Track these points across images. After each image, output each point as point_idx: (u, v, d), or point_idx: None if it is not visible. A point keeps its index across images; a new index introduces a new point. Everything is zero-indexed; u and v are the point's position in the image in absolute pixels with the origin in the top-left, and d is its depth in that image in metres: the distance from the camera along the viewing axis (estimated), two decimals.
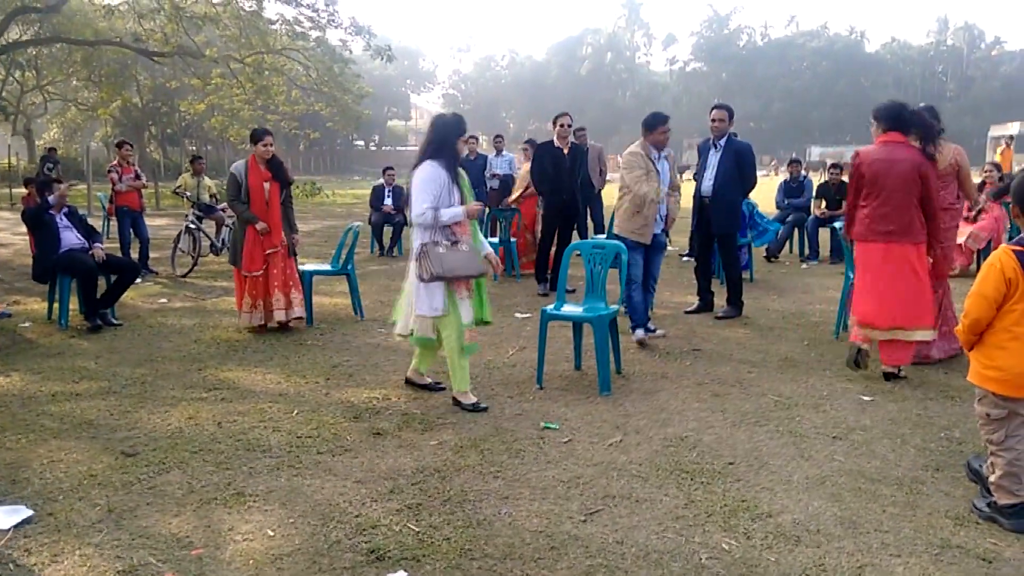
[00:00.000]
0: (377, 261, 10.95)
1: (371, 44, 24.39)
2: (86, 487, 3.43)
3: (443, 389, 4.76)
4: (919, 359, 5.18)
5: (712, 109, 6.94)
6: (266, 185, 6.27)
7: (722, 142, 6.78)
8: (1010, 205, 3.05)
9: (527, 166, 9.70)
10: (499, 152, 12.77)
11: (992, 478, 3.01)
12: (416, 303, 4.48)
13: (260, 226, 6.20)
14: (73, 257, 6.50)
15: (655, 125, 6.05)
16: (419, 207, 4.33)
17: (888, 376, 4.97)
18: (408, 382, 4.90)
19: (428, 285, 4.36)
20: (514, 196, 9.60)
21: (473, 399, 4.51)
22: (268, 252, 6.28)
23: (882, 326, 4.83)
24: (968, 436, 3.92)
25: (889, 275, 4.80)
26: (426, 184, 4.34)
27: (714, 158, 6.78)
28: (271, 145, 6.37)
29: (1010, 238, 3.42)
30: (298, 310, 6.43)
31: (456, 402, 4.52)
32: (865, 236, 4.91)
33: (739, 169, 6.69)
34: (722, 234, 6.86)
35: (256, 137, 6.41)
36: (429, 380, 4.86)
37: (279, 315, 6.33)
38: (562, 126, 7.88)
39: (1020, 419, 2.96)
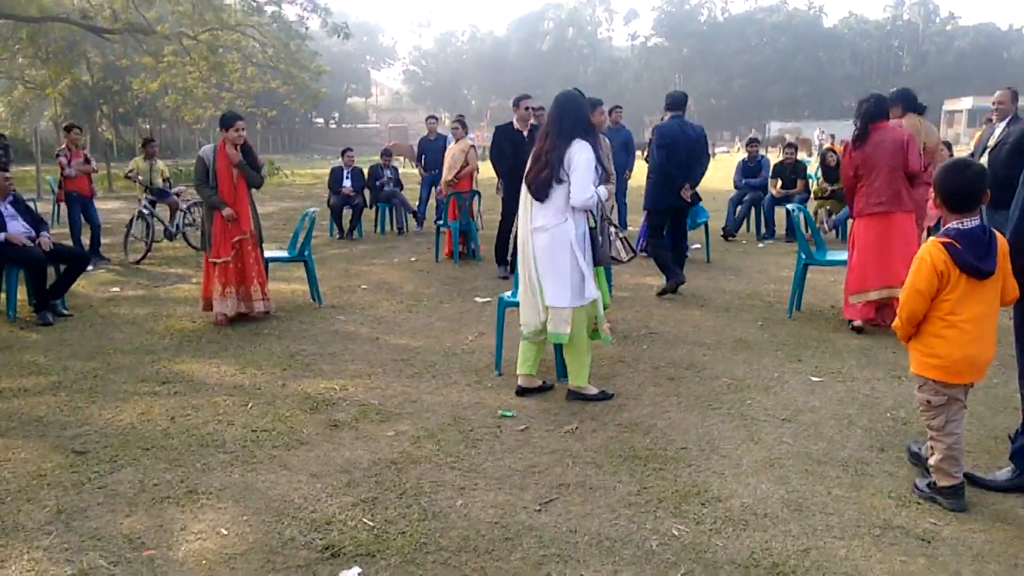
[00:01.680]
0: (336, 245, 10.85)
1: (328, 21, 23.93)
2: (35, 488, 3.38)
3: (552, 387, 4.57)
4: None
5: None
6: (234, 170, 6.12)
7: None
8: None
9: (456, 145, 9.68)
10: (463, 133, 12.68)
11: (932, 461, 3.11)
12: (555, 295, 4.20)
13: (227, 212, 6.05)
14: (19, 248, 6.33)
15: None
16: (590, 189, 4.10)
17: (859, 329, 5.64)
18: (523, 392, 4.47)
19: (588, 272, 4.22)
20: (446, 178, 9.42)
21: (595, 389, 4.41)
22: (236, 239, 6.13)
23: (876, 286, 5.50)
24: (913, 416, 4.03)
25: (885, 240, 5.49)
26: (591, 164, 4.11)
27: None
28: (243, 131, 6.16)
29: None
30: (266, 303, 6.36)
31: (576, 395, 4.36)
32: (862, 212, 5.58)
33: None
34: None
35: (227, 122, 6.15)
36: (541, 381, 4.56)
37: (259, 305, 6.26)
38: (525, 109, 7.88)
39: (959, 404, 3.05)
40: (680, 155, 6.88)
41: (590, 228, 4.28)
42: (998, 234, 2.97)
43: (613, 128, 9.75)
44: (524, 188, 4.33)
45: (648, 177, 7.17)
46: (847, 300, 5.76)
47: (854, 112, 5.70)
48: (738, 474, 3.43)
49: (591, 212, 4.28)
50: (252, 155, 6.32)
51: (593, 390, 4.41)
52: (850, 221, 6.09)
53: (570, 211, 4.17)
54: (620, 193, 9.26)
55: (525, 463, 3.57)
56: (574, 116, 4.20)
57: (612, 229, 4.49)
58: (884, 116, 5.54)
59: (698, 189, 7.17)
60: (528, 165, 4.32)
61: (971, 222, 2.94)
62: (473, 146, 9.75)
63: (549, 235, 4.19)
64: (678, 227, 7.27)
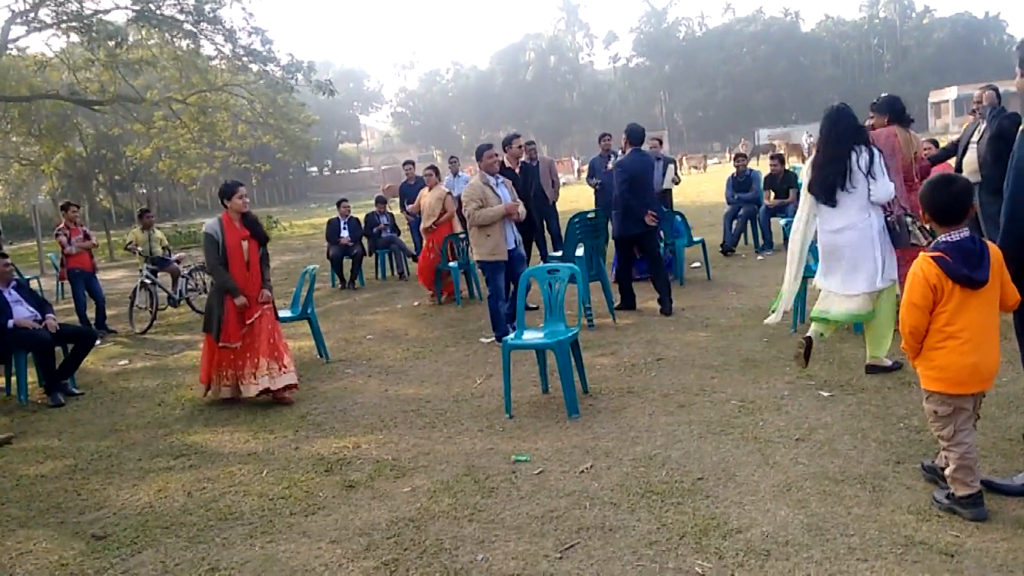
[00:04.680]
0: (339, 295, 10.90)
1: (311, 80, 24.24)
2: None
3: (901, 366, 4.88)
4: None
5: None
6: (244, 244, 5.70)
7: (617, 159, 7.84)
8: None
9: (431, 193, 9.54)
10: (455, 173, 12.81)
11: (947, 472, 3.11)
12: (865, 280, 4.74)
13: (239, 301, 5.64)
14: (27, 331, 6.38)
15: (480, 153, 6.87)
16: (889, 186, 4.72)
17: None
18: (872, 370, 4.94)
19: (889, 258, 4.76)
20: (425, 226, 9.34)
21: (889, 360, 4.90)
22: (255, 317, 5.72)
23: None
24: (926, 424, 4.01)
25: None
26: (880, 163, 4.73)
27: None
28: (246, 197, 5.80)
29: None
30: (288, 376, 5.72)
31: (874, 369, 4.89)
32: None
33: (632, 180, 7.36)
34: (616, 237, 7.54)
35: (228, 191, 5.74)
36: (890, 361, 4.95)
37: (264, 382, 5.62)
38: (518, 147, 8.12)
39: (966, 413, 3.06)
40: (639, 186, 7.27)
41: (885, 218, 4.83)
42: (990, 243, 3.00)
43: (604, 155, 9.88)
44: (811, 198, 4.90)
45: (613, 210, 7.48)
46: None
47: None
48: (756, 501, 3.42)
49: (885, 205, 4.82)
50: (259, 225, 5.98)
51: (888, 362, 4.91)
52: None
53: (870, 207, 4.74)
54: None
55: (543, 508, 3.58)
56: (845, 127, 4.76)
57: (908, 219, 4.91)
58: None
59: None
60: (811, 175, 4.89)
61: (960, 234, 2.98)
62: (449, 192, 9.69)
63: (858, 232, 4.74)
64: (649, 253, 7.50)
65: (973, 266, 2.91)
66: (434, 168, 10.19)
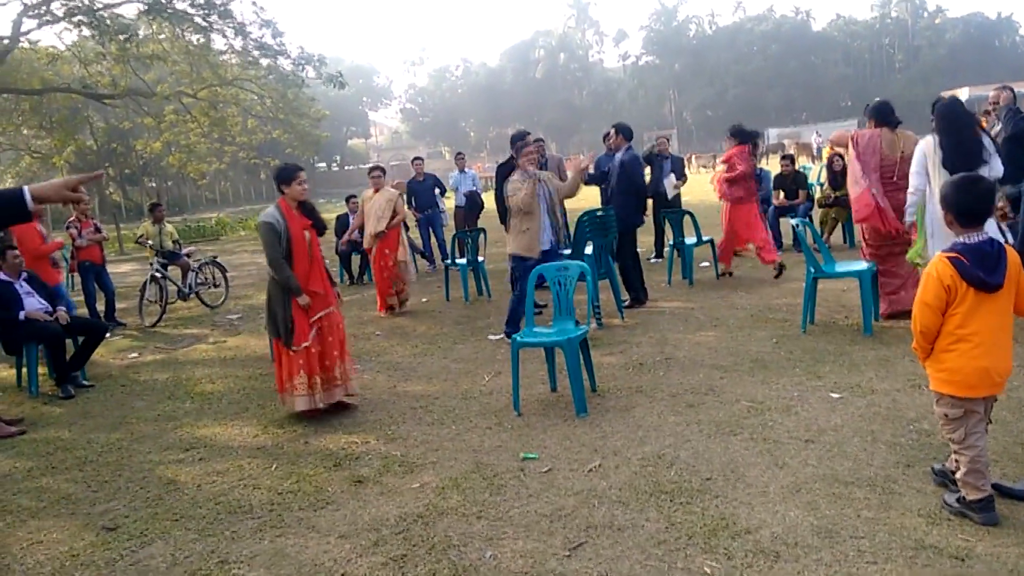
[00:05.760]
0: (348, 291, 10.90)
1: (321, 72, 24.27)
2: (69, 569, 3.41)
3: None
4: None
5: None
6: (307, 234, 5.16)
7: (618, 156, 7.88)
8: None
9: (380, 195, 8.69)
10: (462, 170, 12.82)
11: (958, 475, 3.10)
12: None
13: (303, 301, 5.08)
14: (38, 323, 6.42)
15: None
16: (1001, 164, 5.48)
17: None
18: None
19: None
20: (372, 231, 8.57)
21: None
22: (321, 314, 5.21)
23: None
24: (936, 427, 4.00)
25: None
26: (992, 147, 5.52)
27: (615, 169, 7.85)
28: (306, 182, 5.19)
29: None
30: (354, 383, 5.42)
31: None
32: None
33: (628, 178, 7.77)
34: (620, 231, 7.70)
35: (287, 175, 5.12)
36: None
37: (338, 393, 5.23)
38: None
39: (977, 416, 3.05)
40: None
41: None
42: (1008, 247, 2.98)
43: (610, 153, 9.83)
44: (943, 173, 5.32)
45: (616, 204, 7.82)
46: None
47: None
48: (766, 502, 3.42)
49: None
50: (317, 213, 5.37)
51: None
52: (857, 227, 6.44)
53: None
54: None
55: (551, 507, 3.58)
56: (963, 113, 5.58)
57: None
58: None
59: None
60: (943, 155, 5.41)
61: (978, 236, 2.96)
62: (401, 195, 9.21)
63: None
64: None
65: (989, 269, 2.89)
66: (381, 169, 9.25)
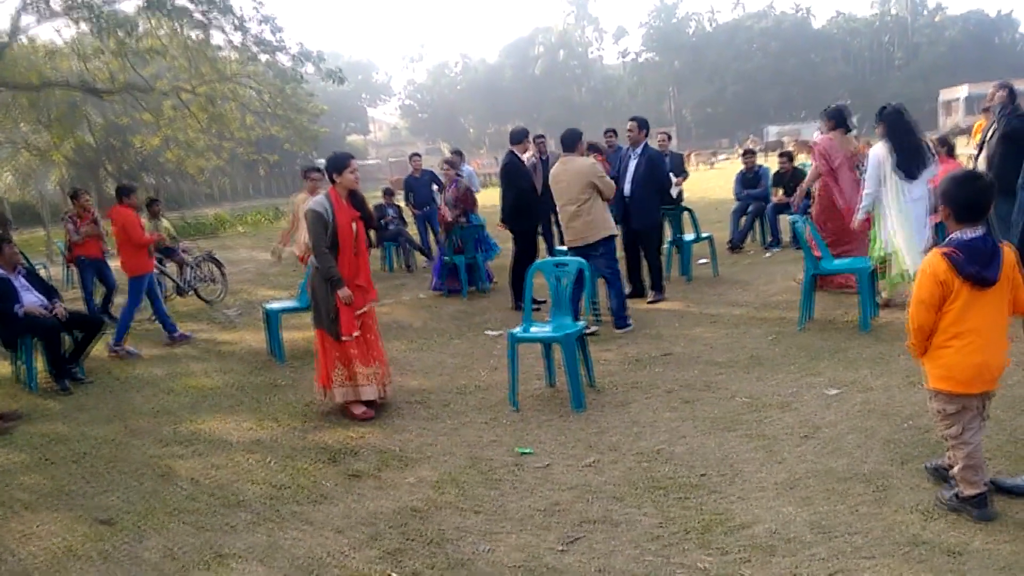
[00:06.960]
0: None
1: (320, 68, 24.23)
2: (63, 562, 3.41)
3: None
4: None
5: (629, 120, 7.86)
6: (354, 226, 4.99)
7: (638, 150, 7.63)
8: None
9: (309, 197, 7.30)
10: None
11: (954, 471, 3.10)
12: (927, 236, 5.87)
13: (344, 294, 4.90)
14: (35, 318, 6.40)
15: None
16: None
17: None
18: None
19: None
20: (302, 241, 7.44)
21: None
22: (363, 310, 5.09)
23: None
24: (932, 423, 3.99)
25: None
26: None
27: (632, 163, 7.62)
28: (358, 171, 5.01)
29: None
30: (389, 384, 5.27)
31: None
32: None
33: (652, 173, 7.54)
34: (640, 229, 7.61)
35: (340, 164, 4.94)
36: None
37: (370, 392, 5.04)
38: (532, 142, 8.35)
39: (972, 412, 3.05)
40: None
41: None
42: (1005, 244, 2.98)
43: (611, 152, 9.84)
44: (895, 175, 5.84)
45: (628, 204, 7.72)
46: None
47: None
48: (761, 498, 3.42)
49: None
50: (366, 205, 5.18)
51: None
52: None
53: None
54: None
55: (547, 501, 3.58)
56: (909, 120, 5.96)
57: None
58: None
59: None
60: (894, 159, 5.82)
61: (973, 232, 2.95)
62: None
63: (925, 200, 5.81)
64: (647, 243, 7.76)
65: (983, 265, 2.89)
66: (319, 170, 8.15)
